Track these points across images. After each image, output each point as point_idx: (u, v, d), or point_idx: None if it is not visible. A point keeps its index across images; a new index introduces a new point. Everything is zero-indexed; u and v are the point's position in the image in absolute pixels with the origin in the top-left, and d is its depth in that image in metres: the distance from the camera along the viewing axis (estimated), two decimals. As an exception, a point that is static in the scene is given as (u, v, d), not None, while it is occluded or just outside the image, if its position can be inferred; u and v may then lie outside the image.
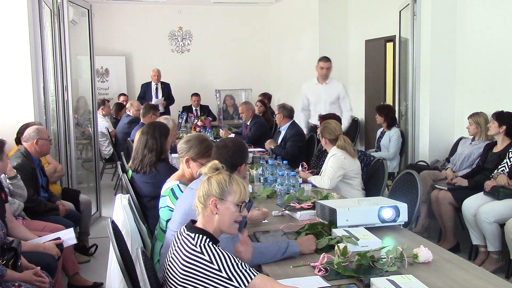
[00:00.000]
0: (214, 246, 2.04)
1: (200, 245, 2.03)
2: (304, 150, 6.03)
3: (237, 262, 2.01)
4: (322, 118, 5.43)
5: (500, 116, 4.51)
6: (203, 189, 2.16)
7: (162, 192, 3.04)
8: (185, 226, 2.17)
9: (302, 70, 9.42)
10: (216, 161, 2.30)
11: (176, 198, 2.88)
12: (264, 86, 10.63)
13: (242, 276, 1.98)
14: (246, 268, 2.02)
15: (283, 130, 6.13)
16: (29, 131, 4.24)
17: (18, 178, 3.78)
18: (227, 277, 1.97)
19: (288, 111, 6.13)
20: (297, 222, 3.14)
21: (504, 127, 4.48)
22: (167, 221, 2.86)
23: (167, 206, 2.93)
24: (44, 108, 5.08)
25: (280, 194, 3.59)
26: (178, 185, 2.97)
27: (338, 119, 5.22)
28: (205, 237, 2.07)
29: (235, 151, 2.81)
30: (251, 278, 1.99)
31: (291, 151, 5.77)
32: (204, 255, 2.00)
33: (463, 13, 5.53)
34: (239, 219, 2.18)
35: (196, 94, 9.86)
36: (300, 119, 6.48)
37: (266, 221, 3.20)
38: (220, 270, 1.97)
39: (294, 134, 5.98)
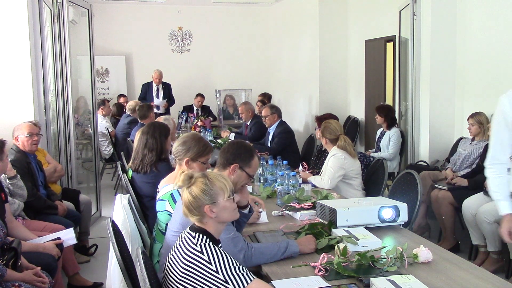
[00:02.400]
0: (215, 246, 2.05)
1: (200, 244, 2.04)
2: (292, 148, 6.03)
3: (235, 265, 2.02)
4: (319, 119, 5.43)
5: None
6: (190, 203, 2.10)
7: (161, 195, 3.02)
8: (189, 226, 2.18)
9: (302, 70, 9.43)
10: (185, 171, 2.22)
11: (176, 203, 2.87)
12: (264, 86, 10.64)
13: (239, 280, 1.99)
14: (244, 272, 2.02)
15: (272, 130, 6.14)
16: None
17: (18, 178, 3.78)
18: (224, 279, 1.98)
19: (280, 111, 6.20)
20: (297, 222, 3.14)
21: None
22: (167, 224, 2.85)
23: (166, 210, 2.92)
24: (44, 108, 5.08)
25: (280, 194, 3.59)
26: (178, 190, 2.95)
27: (336, 119, 5.22)
28: (205, 237, 2.08)
29: (237, 148, 2.76)
30: (247, 283, 2.00)
31: (276, 147, 5.78)
32: (204, 255, 2.01)
33: (463, 13, 5.53)
34: (236, 206, 2.19)
35: (200, 95, 9.83)
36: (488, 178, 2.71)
37: (266, 221, 3.21)
38: (217, 272, 1.98)
39: (282, 131, 6.02)
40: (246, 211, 2.73)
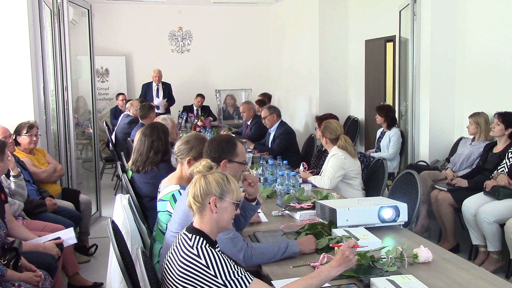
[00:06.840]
0: (212, 249, 2.03)
1: (197, 247, 2.02)
2: (293, 148, 6.03)
3: (233, 269, 2.01)
4: (319, 119, 5.42)
5: (508, 118, 4.48)
6: (200, 188, 2.11)
7: (162, 195, 3.02)
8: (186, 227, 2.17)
9: (302, 70, 9.42)
10: (209, 160, 2.29)
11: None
12: (264, 86, 10.63)
13: (238, 283, 1.99)
14: (242, 275, 2.02)
15: (273, 131, 6.13)
16: None
17: (21, 178, 3.79)
18: (223, 283, 1.98)
19: (278, 111, 6.18)
20: (297, 222, 3.14)
21: (510, 129, 4.47)
22: (167, 224, 2.85)
23: (167, 211, 2.92)
24: (44, 108, 5.08)
25: (280, 194, 3.59)
26: (179, 190, 2.95)
27: (336, 119, 5.22)
28: (201, 239, 2.06)
29: (218, 144, 2.78)
30: (246, 286, 2.00)
31: (277, 149, 5.79)
32: (201, 259, 1.99)
33: (463, 13, 5.53)
34: (233, 216, 2.19)
35: (201, 95, 9.82)
36: None
37: (266, 220, 3.21)
38: (216, 276, 1.97)
39: (283, 132, 6.02)
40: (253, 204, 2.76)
